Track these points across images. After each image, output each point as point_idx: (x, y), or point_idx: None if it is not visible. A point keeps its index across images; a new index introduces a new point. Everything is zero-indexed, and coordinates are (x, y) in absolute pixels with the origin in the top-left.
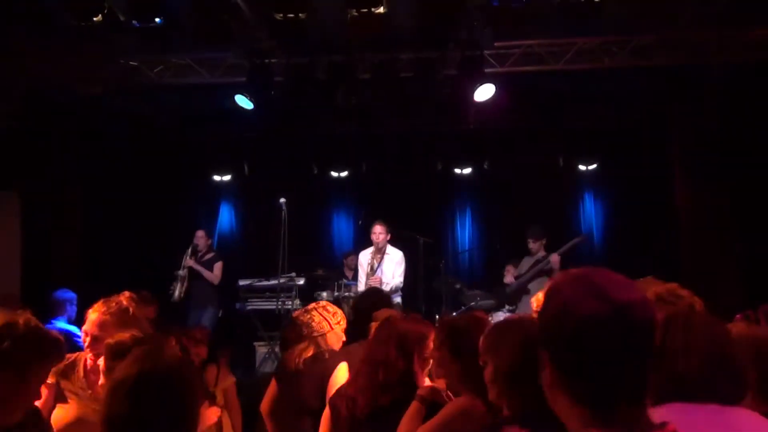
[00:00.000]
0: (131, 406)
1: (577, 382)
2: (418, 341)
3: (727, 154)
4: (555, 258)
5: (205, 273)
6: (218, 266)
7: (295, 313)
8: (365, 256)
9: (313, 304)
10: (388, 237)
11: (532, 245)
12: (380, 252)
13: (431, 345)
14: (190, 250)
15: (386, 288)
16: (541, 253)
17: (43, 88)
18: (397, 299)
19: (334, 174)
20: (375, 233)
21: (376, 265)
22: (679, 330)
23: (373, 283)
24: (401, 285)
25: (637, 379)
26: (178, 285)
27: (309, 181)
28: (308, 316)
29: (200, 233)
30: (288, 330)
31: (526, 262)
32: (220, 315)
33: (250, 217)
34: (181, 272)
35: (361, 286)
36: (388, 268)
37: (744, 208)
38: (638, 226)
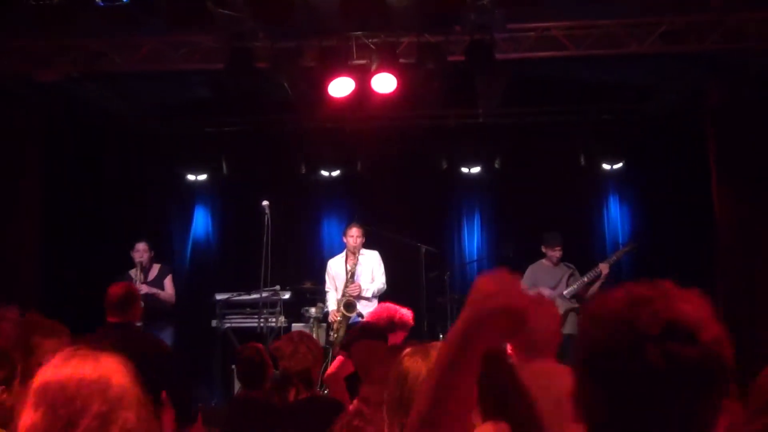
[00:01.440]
0: None
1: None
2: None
3: None
4: (606, 269)
5: (162, 296)
6: (169, 282)
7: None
8: (337, 265)
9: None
10: (363, 241)
11: (558, 254)
12: (355, 256)
13: None
14: (138, 271)
15: (367, 294)
16: (563, 264)
17: None
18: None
19: (325, 173)
20: (352, 236)
21: (353, 268)
22: None
23: (352, 291)
24: (384, 287)
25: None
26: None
27: (296, 181)
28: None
29: (142, 246)
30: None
31: (546, 272)
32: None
33: (229, 222)
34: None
35: (332, 301)
36: (365, 271)
37: None
38: (670, 232)
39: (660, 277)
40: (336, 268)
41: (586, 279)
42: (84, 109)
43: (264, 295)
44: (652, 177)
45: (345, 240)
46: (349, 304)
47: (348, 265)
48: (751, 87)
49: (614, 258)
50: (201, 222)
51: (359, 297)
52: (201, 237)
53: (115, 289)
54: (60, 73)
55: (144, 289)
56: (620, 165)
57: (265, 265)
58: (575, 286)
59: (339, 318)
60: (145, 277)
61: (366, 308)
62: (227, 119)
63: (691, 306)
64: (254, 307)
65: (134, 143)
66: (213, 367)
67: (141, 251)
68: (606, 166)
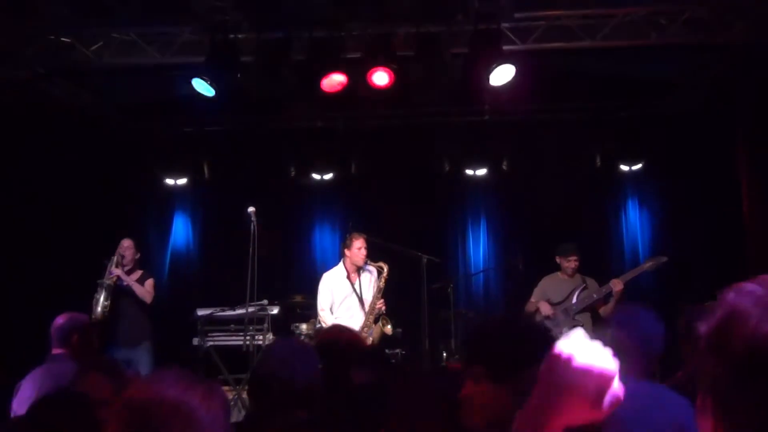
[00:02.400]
0: None
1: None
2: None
3: None
4: (619, 286)
5: (136, 288)
6: (150, 283)
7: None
8: (336, 279)
9: None
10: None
11: (573, 264)
12: (359, 271)
13: None
14: (115, 259)
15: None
16: (579, 277)
17: None
18: None
19: (316, 177)
20: (360, 248)
21: (382, 285)
22: None
23: (381, 306)
24: None
25: None
26: (101, 297)
27: (285, 186)
28: None
29: (127, 243)
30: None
31: (558, 285)
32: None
33: (212, 230)
34: (106, 281)
35: (328, 317)
36: (366, 284)
37: None
38: (695, 239)
39: (683, 289)
40: (335, 283)
41: (595, 296)
42: (52, 107)
43: (250, 310)
44: (675, 179)
45: (348, 252)
46: (378, 319)
47: (351, 281)
48: None
49: (632, 274)
50: (181, 230)
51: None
52: (181, 247)
53: (58, 319)
54: (27, 68)
55: (118, 272)
56: (640, 166)
57: (251, 277)
58: (584, 303)
59: (368, 335)
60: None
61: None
62: (209, 118)
63: None
64: (239, 324)
65: (107, 145)
66: None
67: (124, 248)
68: (624, 168)
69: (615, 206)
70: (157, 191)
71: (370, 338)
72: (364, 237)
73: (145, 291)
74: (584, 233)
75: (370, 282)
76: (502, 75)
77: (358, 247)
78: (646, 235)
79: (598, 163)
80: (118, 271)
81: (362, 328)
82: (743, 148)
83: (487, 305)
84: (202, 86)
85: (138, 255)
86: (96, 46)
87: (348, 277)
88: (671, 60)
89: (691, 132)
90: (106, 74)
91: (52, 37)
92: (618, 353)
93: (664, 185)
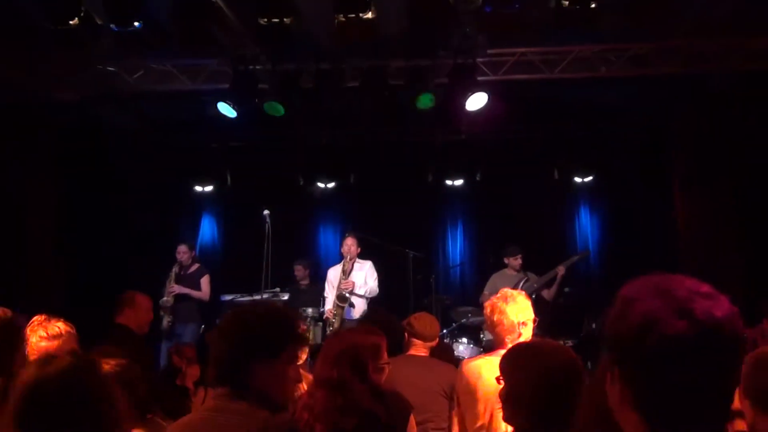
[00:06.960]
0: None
1: (651, 404)
2: (373, 354)
3: (729, 165)
4: (562, 271)
5: (194, 294)
6: (205, 281)
7: None
8: (335, 271)
9: None
10: (359, 250)
11: (518, 262)
12: (350, 262)
13: (385, 355)
14: (173, 273)
15: (360, 291)
16: (522, 272)
17: (16, 95)
18: (365, 307)
19: (321, 185)
20: (347, 245)
21: (348, 270)
22: None
23: (345, 287)
24: (376, 290)
25: (718, 405)
26: (165, 315)
27: (294, 193)
28: None
29: (182, 248)
30: None
31: (505, 279)
32: (201, 331)
33: (233, 229)
34: (167, 299)
35: (329, 303)
36: (358, 276)
37: (747, 221)
38: (636, 240)
39: (625, 281)
40: (333, 274)
41: (535, 285)
42: (98, 127)
43: (265, 296)
44: (621, 189)
45: (341, 249)
46: (340, 296)
47: (344, 266)
48: (711, 106)
49: (570, 262)
50: (207, 229)
51: (352, 293)
52: (207, 243)
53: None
54: (77, 93)
55: (175, 289)
56: (591, 178)
57: (266, 268)
58: (528, 291)
59: (334, 311)
60: (184, 272)
61: (357, 304)
62: (231, 135)
63: None
64: None
65: (145, 158)
66: None
67: (180, 253)
68: (578, 179)
69: (570, 212)
70: (187, 196)
71: (334, 311)
72: (353, 236)
73: (202, 294)
74: (544, 233)
75: (361, 270)
76: (476, 101)
77: (344, 244)
78: (596, 236)
79: (556, 176)
80: (175, 289)
81: (331, 309)
82: (676, 164)
83: (463, 292)
84: (225, 109)
85: (193, 252)
86: (137, 74)
87: (344, 269)
88: (618, 89)
89: (634, 149)
90: (145, 98)
91: (100, 66)
92: None
93: (610, 194)
